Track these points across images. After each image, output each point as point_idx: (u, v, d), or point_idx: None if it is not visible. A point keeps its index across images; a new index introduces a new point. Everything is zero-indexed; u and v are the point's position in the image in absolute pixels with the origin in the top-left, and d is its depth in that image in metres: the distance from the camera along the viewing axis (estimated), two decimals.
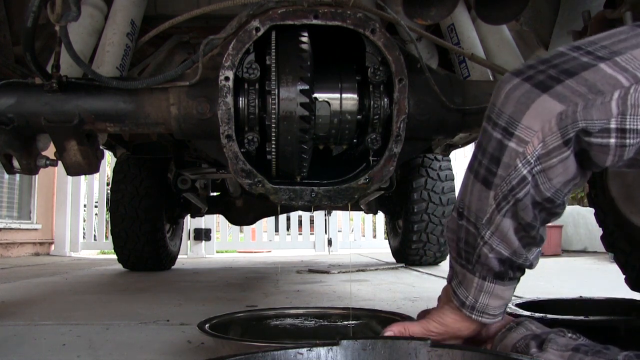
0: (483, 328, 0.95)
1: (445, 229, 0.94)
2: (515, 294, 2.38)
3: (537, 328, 0.89)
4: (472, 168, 0.85)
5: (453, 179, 4.00)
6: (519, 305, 1.30)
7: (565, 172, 0.78)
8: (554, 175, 0.78)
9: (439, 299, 1.01)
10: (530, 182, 0.78)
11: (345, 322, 1.42)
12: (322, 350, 0.75)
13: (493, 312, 0.89)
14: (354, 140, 1.33)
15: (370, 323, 1.42)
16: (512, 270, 0.86)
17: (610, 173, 1.63)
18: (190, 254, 6.59)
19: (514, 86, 0.79)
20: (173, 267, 4.19)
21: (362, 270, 3.91)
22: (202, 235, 6.71)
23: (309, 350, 0.75)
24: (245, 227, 6.69)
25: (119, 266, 3.94)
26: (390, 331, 0.94)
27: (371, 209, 4.27)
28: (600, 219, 1.78)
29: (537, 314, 1.19)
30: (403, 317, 1.32)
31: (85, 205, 7.19)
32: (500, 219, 0.81)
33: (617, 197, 1.66)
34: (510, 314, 1.20)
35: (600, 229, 1.80)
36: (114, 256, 3.92)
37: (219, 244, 7.06)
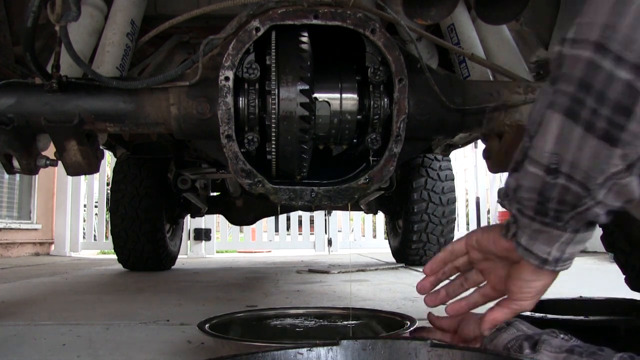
0: (474, 325, 0.95)
1: (513, 186, 0.76)
2: None
3: (529, 329, 0.88)
4: (575, 115, 0.64)
5: (453, 179, 4.00)
6: None
7: None
8: None
9: (471, 258, 0.91)
10: None
11: (345, 322, 1.42)
12: (322, 350, 0.75)
13: (574, 257, 0.79)
14: (354, 140, 1.33)
15: (370, 323, 1.42)
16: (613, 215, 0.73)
17: None
18: (190, 254, 6.60)
19: None
20: (173, 267, 4.19)
21: (362, 270, 3.91)
22: (202, 235, 6.71)
23: (309, 350, 0.75)
24: (245, 227, 6.70)
25: (119, 266, 3.94)
26: (486, 328, 0.87)
27: (371, 209, 4.27)
28: None
29: (537, 314, 1.19)
30: (402, 317, 1.32)
31: (85, 205, 7.19)
32: (630, 180, 0.65)
33: None
34: None
35: (600, 229, 1.80)
36: (114, 256, 3.92)
37: (219, 244, 7.06)
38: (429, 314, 1.05)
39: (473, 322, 0.97)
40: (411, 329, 1.19)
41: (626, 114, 0.60)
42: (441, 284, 0.98)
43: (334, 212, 6.67)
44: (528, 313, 1.20)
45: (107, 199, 6.32)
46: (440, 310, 0.99)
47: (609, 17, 0.59)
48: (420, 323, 1.20)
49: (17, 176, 6.18)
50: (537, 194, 0.72)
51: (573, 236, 0.75)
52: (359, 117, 1.27)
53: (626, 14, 0.58)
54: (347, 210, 5.70)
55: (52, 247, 6.84)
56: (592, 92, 0.62)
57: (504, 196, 0.79)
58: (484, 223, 8.13)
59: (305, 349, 0.75)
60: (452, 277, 0.98)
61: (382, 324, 1.38)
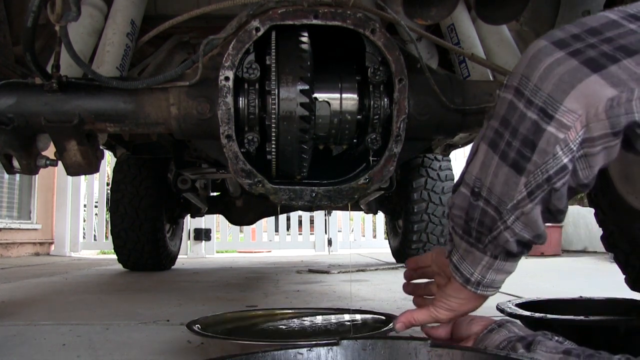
0: (465, 326, 0.95)
1: (450, 205, 0.86)
2: (515, 293, 2.40)
3: (520, 330, 0.88)
4: (495, 146, 0.75)
5: (453, 179, 4.00)
6: (519, 305, 1.30)
7: (608, 157, 0.70)
8: (595, 162, 0.70)
9: (432, 270, 1.02)
10: (569, 170, 0.70)
11: (334, 322, 1.43)
12: (322, 350, 0.75)
13: (498, 286, 0.87)
14: (354, 140, 1.33)
15: (357, 323, 1.43)
16: (527, 249, 0.82)
17: None
18: (190, 254, 6.60)
19: (556, 60, 0.68)
20: (173, 267, 4.19)
21: (362, 270, 3.91)
22: (202, 235, 6.71)
23: (309, 350, 0.75)
24: (245, 227, 6.70)
25: (119, 266, 3.94)
26: (400, 322, 0.95)
27: (371, 209, 4.27)
28: (600, 219, 1.78)
29: (537, 314, 1.19)
30: (390, 317, 1.33)
31: (85, 205, 7.19)
32: (532, 208, 0.74)
33: (615, 176, 1.65)
34: (511, 314, 1.20)
35: (600, 229, 1.80)
36: (114, 256, 3.92)
37: (219, 244, 7.06)
38: (423, 327, 1.05)
39: (465, 323, 0.97)
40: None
41: (532, 147, 0.71)
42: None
43: (334, 212, 6.68)
44: (528, 313, 1.20)
45: (107, 199, 6.33)
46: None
47: (526, 68, 0.72)
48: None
49: (17, 176, 6.18)
50: (464, 213, 0.82)
51: (493, 261, 0.82)
52: (359, 117, 1.27)
53: (537, 69, 0.70)
54: (347, 210, 5.71)
55: (52, 247, 6.84)
56: (509, 127, 0.73)
57: (447, 215, 0.88)
58: None
59: (305, 349, 0.75)
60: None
61: (369, 324, 1.39)
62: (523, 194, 0.73)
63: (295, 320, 1.45)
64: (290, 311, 1.49)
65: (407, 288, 1.14)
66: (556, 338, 0.83)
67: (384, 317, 1.35)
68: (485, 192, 0.78)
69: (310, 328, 1.41)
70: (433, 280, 1.06)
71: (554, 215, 0.76)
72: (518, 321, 0.93)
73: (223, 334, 1.28)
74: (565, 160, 0.69)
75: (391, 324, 1.22)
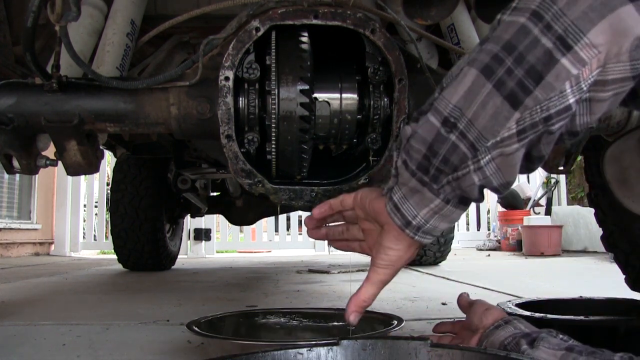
0: (480, 315, 0.95)
1: (408, 134, 0.74)
2: (515, 293, 2.39)
3: (526, 327, 0.88)
4: (490, 73, 0.65)
5: None
6: (519, 305, 1.30)
7: (611, 105, 0.63)
8: (599, 109, 0.63)
9: (354, 214, 0.90)
10: (572, 112, 0.62)
11: (333, 322, 1.43)
12: (322, 350, 0.75)
13: (437, 234, 0.78)
14: (354, 140, 1.33)
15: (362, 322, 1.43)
16: (482, 198, 0.73)
17: (607, 156, 1.62)
18: (190, 254, 6.60)
19: None
20: (173, 267, 4.19)
21: (362, 270, 3.91)
22: (202, 235, 6.71)
23: (309, 350, 0.75)
24: (245, 227, 6.70)
25: (119, 266, 3.94)
26: (353, 313, 0.83)
27: None
28: (600, 219, 1.78)
29: (537, 314, 1.19)
30: (390, 317, 1.33)
31: (85, 205, 7.19)
32: (516, 149, 0.65)
33: (612, 180, 1.65)
34: (510, 314, 1.20)
35: (600, 229, 1.80)
36: (114, 256, 3.92)
37: (219, 244, 7.06)
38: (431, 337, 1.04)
39: (481, 311, 0.97)
40: (398, 327, 1.21)
41: (537, 79, 0.62)
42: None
43: None
44: (528, 313, 1.20)
45: (107, 199, 6.33)
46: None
47: None
48: (416, 323, 1.20)
49: (17, 176, 6.18)
50: (426, 146, 0.71)
51: (443, 206, 0.73)
52: (359, 117, 1.27)
53: None
54: None
55: (52, 247, 6.84)
56: (513, 53, 0.63)
57: (397, 146, 0.77)
58: (483, 223, 8.13)
59: (305, 349, 0.75)
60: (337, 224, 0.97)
61: (370, 324, 1.39)
62: (512, 132, 0.65)
63: (295, 320, 1.45)
64: (289, 311, 1.50)
65: (317, 232, 0.98)
66: (560, 336, 0.83)
67: (383, 318, 1.36)
68: (464, 123, 0.67)
69: (309, 328, 1.41)
70: (345, 223, 0.95)
71: (533, 161, 0.68)
72: (524, 320, 0.93)
73: (223, 334, 1.28)
74: (572, 101, 0.61)
75: (393, 325, 1.23)
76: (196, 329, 1.19)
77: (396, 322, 1.26)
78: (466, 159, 0.68)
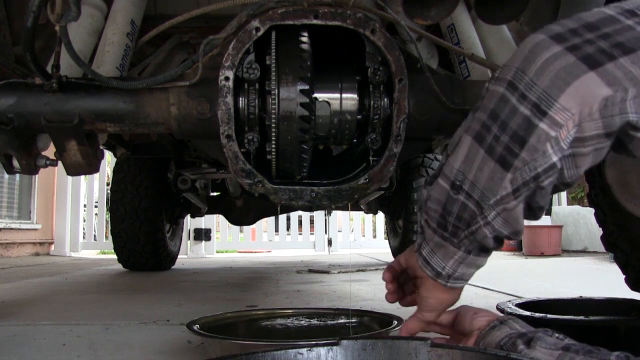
0: (469, 319, 0.95)
1: (425, 197, 0.84)
2: (515, 293, 2.39)
3: (522, 327, 0.88)
4: (481, 140, 0.73)
5: None
6: (519, 305, 1.30)
7: (596, 158, 0.69)
8: (583, 163, 0.70)
9: (398, 266, 1.00)
10: (557, 169, 0.69)
11: (333, 322, 1.43)
12: (322, 350, 0.75)
13: (467, 278, 0.87)
14: (354, 140, 1.33)
15: (359, 323, 1.43)
16: (501, 244, 0.82)
17: (608, 159, 1.63)
18: (190, 254, 6.60)
19: (553, 55, 0.67)
20: (173, 267, 4.19)
21: (362, 270, 3.91)
22: (202, 235, 6.71)
23: (309, 350, 0.75)
24: (245, 227, 6.70)
25: (119, 266, 3.94)
26: (407, 328, 0.94)
27: (371, 209, 4.27)
28: (600, 219, 1.78)
29: (537, 314, 1.19)
30: (391, 317, 1.33)
31: (85, 205, 7.19)
32: (515, 204, 0.73)
33: (613, 183, 1.65)
34: (511, 314, 1.20)
35: (600, 229, 1.80)
36: (114, 256, 3.92)
37: (219, 244, 7.06)
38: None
39: (469, 315, 0.97)
40: (397, 327, 1.21)
41: (521, 143, 0.70)
42: None
43: (334, 212, 6.67)
44: (528, 313, 1.20)
45: (107, 199, 6.33)
46: None
47: (522, 62, 0.70)
48: None
49: (17, 176, 6.18)
50: (441, 206, 0.80)
51: (466, 256, 0.82)
52: (359, 117, 1.27)
53: (534, 62, 0.69)
54: (347, 210, 5.70)
55: (52, 247, 6.84)
56: (498, 121, 0.72)
57: (419, 208, 0.86)
58: None
59: (305, 349, 0.75)
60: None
61: (370, 324, 1.39)
62: (508, 190, 0.72)
63: (294, 320, 1.45)
64: (289, 311, 1.50)
65: (392, 297, 1.08)
66: (557, 335, 0.83)
67: (383, 317, 1.36)
68: (468, 185, 0.76)
69: (309, 328, 1.41)
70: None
71: (534, 211, 0.75)
72: (520, 320, 0.93)
73: (223, 334, 1.28)
74: (555, 159, 0.68)
75: (393, 325, 1.23)
76: (196, 328, 1.19)
77: (396, 322, 1.26)
78: (475, 216, 0.77)
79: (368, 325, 1.39)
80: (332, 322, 1.43)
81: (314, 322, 1.44)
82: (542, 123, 0.67)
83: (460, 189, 0.77)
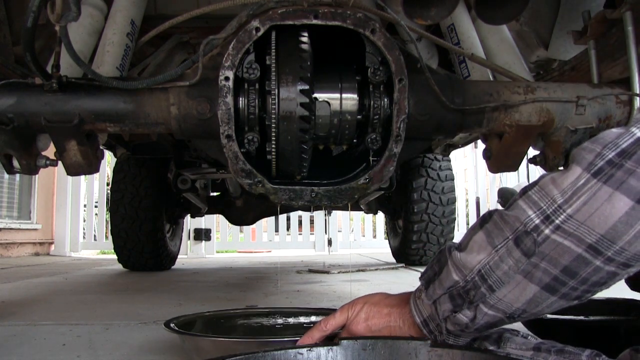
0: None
1: (469, 320, 0.82)
2: None
3: None
4: (554, 291, 0.75)
5: (453, 179, 4.00)
6: None
7: None
8: None
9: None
10: None
11: (313, 320, 1.43)
12: (322, 350, 0.75)
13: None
14: (354, 140, 1.33)
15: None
16: None
17: None
18: (190, 254, 6.60)
19: None
20: (173, 267, 4.19)
21: (362, 270, 3.91)
22: (202, 235, 6.71)
23: (309, 350, 0.75)
24: (245, 227, 6.70)
25: (119, 266, 3.94)
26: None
27: (371, 209, 4.27)
28: None
29: None
30: None
31: (85, 205, 7.19)
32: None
33: None
34: None
35: None
36: (114, 256, 3.92)
37: (219, 244, 7.06)
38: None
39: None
40: None
41: (602, 285, 0.73)
42: None
43: (334, 212, 6.67)
44: None
45: (107, 199, 6.33)
46: None
47: (609, 232, 0.67)
48: None
49: (17, 176, 6.18)
50: (489, 325, 0.81)
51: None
52: (359, 117, 1.27)
53: (627, 234, 0.67)
54: (347, 210, 5.70)
55: (52, 247, 6.84)
56: (576, 278, 0.72)
57: (454, 325, 0.83)
58: None
59: (305, 349, 0.75)
60: None
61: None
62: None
63: (291, 319, 1.45)
64: (287, 310, 1.50)
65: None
66: (522, 333, 0.84)
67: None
68: (528, 314, 0.79)
69: (294, 326, 1.42)
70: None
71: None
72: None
73: (202, 332, 1.30)
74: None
75: None
76: (173, 326, 1.21)
77: None
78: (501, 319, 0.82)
79: None
80: (306, 321, 1.43)
81: (302, 321, 1.44)
82: (627, 270, 0.70)
83: (518, 317, 0.80)
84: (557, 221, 0.71)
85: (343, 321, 0.92)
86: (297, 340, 0.82)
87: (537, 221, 0.72)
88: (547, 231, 0.72)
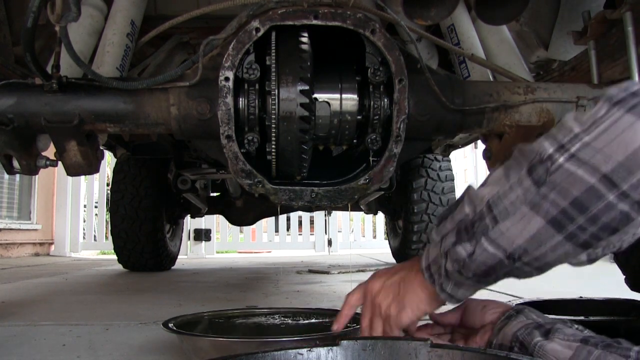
0: (479, 313, 0.95)
1: (466, 256, 0.80)
2: (515, 294, 2.39)
3: (539, 317, 0.86)
4: (560, 227, 0.69)
5: (453, 180, 4.00)
6: (519, 306, 1.30)
7: None
8: None
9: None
10: None
11: (310, 320, 1.43)
12: (322, 351, 0.75)
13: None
14: (354, 141, 1.33)
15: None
16: None
17: None
18: (190, 255, 6.60)
19: None
20: (173, 267, 4.19)
21: (362, 271, 3.91)
22: (202, 235, 6.71)
23: (309, 350, 0.75)
24: (245, 228, 6.70)
25: (119, 267, 3.94)
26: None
27: (371, 210, 4.27)
28: None
29: None
30: None
31: (85, 206, 7.19)
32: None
33: None
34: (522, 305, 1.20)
35: None
36: (114, 256, 3.92)
37: (219, 244, 7.06)
38: (431, 315, 1.05)
39: (479, 309, 0.96)
40: None
41: (612, 232, 0.67)
42: None
43: (334, 212, 6.68)
44: None
45: (107, 199, 6.33)
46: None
47: (628, 159, 0.63)
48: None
49: (17, 176, 6.18)
50: (487, 267, 0.78)
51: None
52: (359, 117, 1.27)
53: None
54: (347, 210, 5.70)
55: (52, 247, 6.84)
56: (586, 213, 0.66)
57: (449, 259, 0.81)
58: None
59: (305, 349, 0.75)
60: None
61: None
62: (581, 259, 0.74)
63: (290, 319, 1.45)
64: (284, 310, 1.51)
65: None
66: (576, 326, 0.81)
67: (356, 316, 1.37)
68: (529, 258, 0.74)
69: (306, 327, 1.42)
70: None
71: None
72: (535, 310, 0.92)
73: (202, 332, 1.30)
74: None
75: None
76: (172, 327, 1.21)
77: None
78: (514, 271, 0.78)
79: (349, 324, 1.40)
80: (315, 321, 1.43)
81: (302, 322, 1.44)
82: None
83: (519, 260, 0.75)
84: (572, 149, 0.67)
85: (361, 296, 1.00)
86: (296, 341, 0.82)
87: (552, 150, 0.69)
88: (560, 160, 0.67)
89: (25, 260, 5.55)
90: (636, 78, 1.28)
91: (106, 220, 6.49)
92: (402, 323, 0.91)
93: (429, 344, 0.74)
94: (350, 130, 1.28)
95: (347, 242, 7.23)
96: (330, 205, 1.29)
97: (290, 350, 0.74)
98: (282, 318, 1.45)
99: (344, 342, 0.76)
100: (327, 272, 3.72)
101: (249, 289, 2.81)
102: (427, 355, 0.74)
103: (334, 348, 0.75)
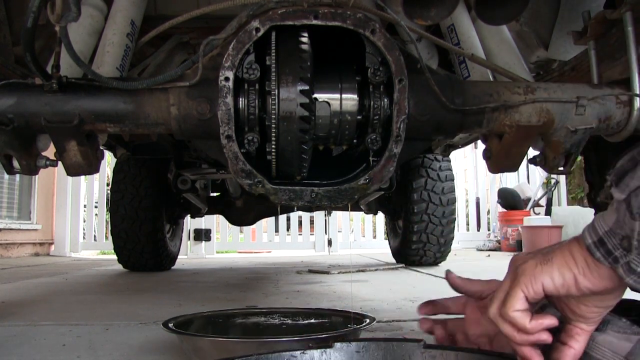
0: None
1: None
2: None
3: None
4: None
5: (453, 180, 4.00)
6: None
7: None
8: None
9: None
10: None
11: (308, 321, 1.43)
12: (316, 353, 0.75)
13: None
14: (354, 141, 1.33)
15: (332, 321, 1.44)
16: None
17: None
18: (190, 255, 6.60)
19: None
20: (173, 267, 4.19)
21: (362, 271, 3.91)
22: (202, 235, 6.71)
23: (303, 352, 0.75)
24: (245, 228, 6.70)
25: (119, 267, 3.94)
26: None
27: (371, 210, 4.27)
28: None
29: None
30: (363, 316, 1.34)
31: (85, 206, 7.19)
32: None
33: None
34: None
35: None
36: (114, 256, 3.92)
37: (219, 244, 7.06)
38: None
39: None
40: (370, 324, 1.25)
41: None
42: None
43: (334, 212, 6.68)
44: None
45: (107, 199, 6.33)
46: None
47: None
48: (416, 323, 1.19)
49: (17, 176, 6.18)
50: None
51: None
52: (359, 117, 1.27)
53: None
54: (347, 210, 5.70)
55: (52, 247, 6.84)
56: None
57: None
58: (483, 223, 8.13)
59: (298, 352, 0.75)
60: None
61: (343, 322, 1.40)
62: None
63: (290, 320, 1.46)
64: (284, 310, 1.51)
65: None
66: (624, 319, 0.77)
67: (355, 317, 1.37)
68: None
69: (295, 327, 1.42)
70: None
71: None
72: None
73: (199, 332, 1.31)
74: None
75: (365, 323, 1.25)
76: (171, 326, 1.22)
77: (368, 320, 1.28)
78: None
79: (341, 323, 1.40)
80: (313, 322, 1.43)
81: (300, 322, 1.45)
82: None
83: None
84: None
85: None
86: (295, 341, 0.82)
87: None
88: None
89: (25, 260, 5.55)
90: (636, 78, 1.28)
91: (106, 220, 6.50)
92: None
93: (422, 345, 0.74)
94: (350, 130, 1.28)
95: (347, 242, 7.23)
96: (330, 205, 1.29)
97: (283, 353, 0.74)
98: (282, 318, 1.45)
99: (338, 344, 0.75)
100: (327, 272, 3.72)
101: (249, 289, 2.81)
102: (421, 356, 0.74)
103: (328, 350, 0.75)
